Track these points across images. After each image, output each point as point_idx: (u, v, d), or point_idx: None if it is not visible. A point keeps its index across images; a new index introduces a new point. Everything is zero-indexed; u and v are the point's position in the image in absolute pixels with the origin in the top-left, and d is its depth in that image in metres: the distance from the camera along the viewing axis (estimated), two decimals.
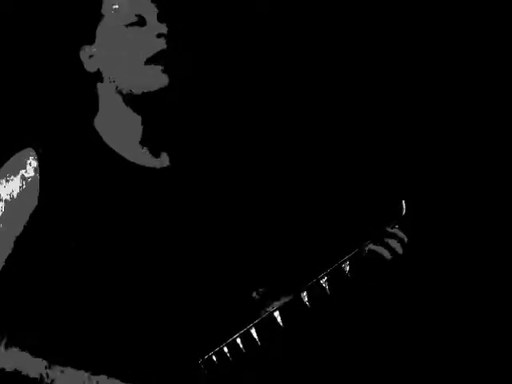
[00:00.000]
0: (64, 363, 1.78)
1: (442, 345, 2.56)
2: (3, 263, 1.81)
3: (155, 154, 1.94)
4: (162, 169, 1.94)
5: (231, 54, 2.62)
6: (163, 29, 1.89)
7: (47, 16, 2.44)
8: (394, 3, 2.60)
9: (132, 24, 1.89)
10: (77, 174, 1.85)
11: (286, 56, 2.63)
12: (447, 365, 2.57)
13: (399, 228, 1.89)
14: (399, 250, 1.86)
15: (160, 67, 1.87)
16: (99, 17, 1.91)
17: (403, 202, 1.90)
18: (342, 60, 2.62)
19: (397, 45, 2.60)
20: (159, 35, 1.88)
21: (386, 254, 1.86)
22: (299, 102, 2.61)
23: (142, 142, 1.92)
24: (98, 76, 1.92)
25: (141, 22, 1.90)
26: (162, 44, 1.88)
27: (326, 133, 2.58)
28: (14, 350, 1.78)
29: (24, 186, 1.82)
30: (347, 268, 1.88)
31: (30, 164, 1.84)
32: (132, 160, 1.91)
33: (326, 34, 2.62)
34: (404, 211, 1.89)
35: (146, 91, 1.87)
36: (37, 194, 1.82)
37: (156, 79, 1.87)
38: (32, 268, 1.83)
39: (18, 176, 1.83)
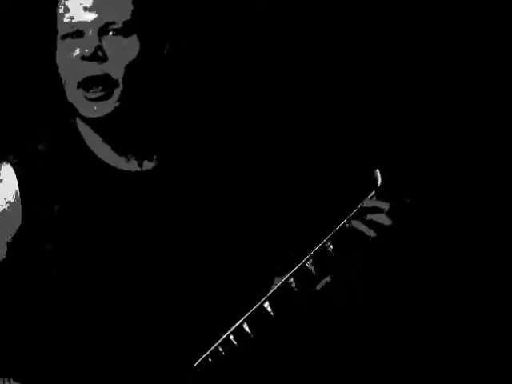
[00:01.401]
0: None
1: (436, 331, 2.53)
2: None
3: (138, 157, 1.83)
4: (147, 172, 1.84)
5: (230, 54, 2.61)
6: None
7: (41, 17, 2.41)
8: (394, 3, 2.59)
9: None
10: (60, 181, 1.78)
11: (285, 56, 2.61)
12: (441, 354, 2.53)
13: (377, 199, 1.83)
14: (385, 221, 1.80)
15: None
16: None
17: (377, 171, 1.85)
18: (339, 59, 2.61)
19: (395, 44, 2.59)
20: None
21: (370, 231, 1.80)
22: (297, 99, 2.59)
23: (125, 146, 1.82)
24: None
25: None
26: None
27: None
28: None
29: (5, 205, 1.77)
30: (331, 247, 1.84)
31: (8, 178, 1.77)
32: (113, 164, 1.82)
33: (325, 34, 2.61)
34: (380, 181, 1.85)
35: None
36: (19, 210, 1.76)
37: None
38: (23, 280, 1.79)
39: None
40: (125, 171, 1.82)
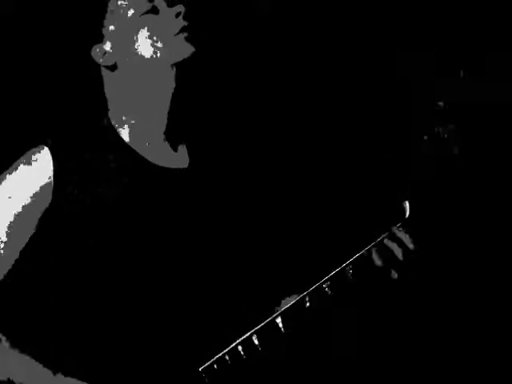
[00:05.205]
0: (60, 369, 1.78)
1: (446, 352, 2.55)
2: (14, 262, 1.79)
3: (171, 153, 1.92)
4: (177, 170, 1.91)
5: (232, 56, 2.63)
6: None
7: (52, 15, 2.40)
8: (394, 4, 2.60)
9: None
10: (91, 171, 1.85)
11: (286, 57, 2.63)
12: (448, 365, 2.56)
13: (403, 231, 1.84)
14: (399, 255, 1.83)
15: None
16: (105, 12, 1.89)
17: (406, 202, 1.86)
18: (343, 61, 2.61)
19: (395, 45, 2.60)
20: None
21: (388, 259, 1.82)
22: (302, 104, 2.60)
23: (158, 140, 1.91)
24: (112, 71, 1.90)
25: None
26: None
27: (329, 135, 2.58)
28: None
29: (40, 183, 1.81)
30: (350, 272, 1.85)
31: (45, 159, 1.83)
32: (150, 159, 1.89)
33: (326, 36, 2.62)
34: (407, 213, 1.86)
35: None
36: (51, 191, 1.81)
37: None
38: (42, 266, 1.82)
39: (33, 173, 1.82)
40: (157, 166, 1.89)
